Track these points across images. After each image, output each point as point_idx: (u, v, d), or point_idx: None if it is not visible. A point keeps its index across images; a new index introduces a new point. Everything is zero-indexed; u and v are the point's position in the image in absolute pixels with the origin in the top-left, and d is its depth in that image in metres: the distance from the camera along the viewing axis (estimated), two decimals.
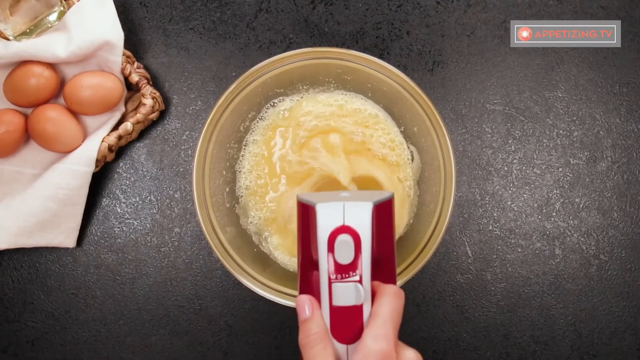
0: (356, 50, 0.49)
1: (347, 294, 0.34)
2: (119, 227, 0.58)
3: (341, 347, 0.34)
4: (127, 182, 0.58)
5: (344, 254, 0.34)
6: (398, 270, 0.48)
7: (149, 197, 0.58)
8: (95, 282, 0.57)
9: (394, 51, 0.59)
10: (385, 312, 0.34)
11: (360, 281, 0.34)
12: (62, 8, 0.56)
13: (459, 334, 0.57)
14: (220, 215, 0.50)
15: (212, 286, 0.57)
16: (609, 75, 0.59)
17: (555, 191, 0.58)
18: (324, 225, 0.34)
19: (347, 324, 0.34)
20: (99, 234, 0.58)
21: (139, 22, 0.59)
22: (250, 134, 0.54)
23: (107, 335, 0.57)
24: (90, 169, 0.55)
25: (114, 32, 0.55)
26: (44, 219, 0.54)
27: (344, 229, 0.34)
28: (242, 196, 0.53)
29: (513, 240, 0.57)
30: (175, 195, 0.58)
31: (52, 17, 0.56)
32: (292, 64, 0.50)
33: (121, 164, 0.58)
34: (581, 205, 0.58)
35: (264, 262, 0.51)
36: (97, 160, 0.55)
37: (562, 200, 0.58)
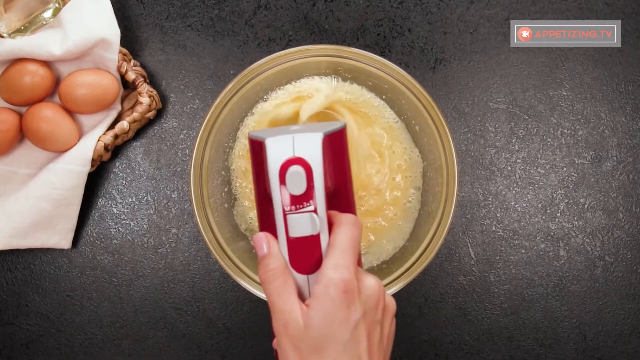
0: (357, 47, 0.49)
1: (302, 224, 0.34)
2: (115, 228, 0.57)
3: (302, 278, 0.35)
4: (124, 182, 0.58)
5: (296, 185, 0.34)
6: (399, 272, 0.48)
7: (145, 198, 0.57)
8: (91, 283, 0.57)
9: (396, 49, 0.59)
10: (343, 240, 0.34)
11: (315, 211, 0.34)
12: (57, 5, 0.55)
13: (462, 336, 0.56)
14: (219, 216, 0.49)
15: (210, 288, 0.56)
16: (615, 73, 0.59)
17: (559, 191, 0.58)
18: (274, 158, 0.34)
19: (306, 255, 0.35)
20: (94, 234, 0.57)
21: (135, 19, 0.59)
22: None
23: (102, 338, 0.56)
24: (85, 168, 0.54)
25: (110, 29, 0.54)
26: (38, 220, 0.54)
27: (294, 161, 0.34)
28: (239, 196, 0.53)
29: (517, 241, 0.57)
30: (173, 196, 0.57)
31: (47, 14, 0.55)
32: (292, 62, 0.49)
33: (117, 164, 0.58)
34: (586, 206, 0.58)
35: None
36: (93, 160, 0.55)
37: (566, 201, 0.58)
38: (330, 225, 0.35)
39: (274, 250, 0.35)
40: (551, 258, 0.57)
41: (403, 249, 0.51)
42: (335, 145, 0.37)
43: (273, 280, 0.34)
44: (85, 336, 0.56)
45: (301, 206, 0.34)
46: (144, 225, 0.57)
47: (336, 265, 0.33)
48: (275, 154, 0.34)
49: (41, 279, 0.57)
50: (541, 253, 0.57)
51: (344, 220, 0.35)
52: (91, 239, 0.57)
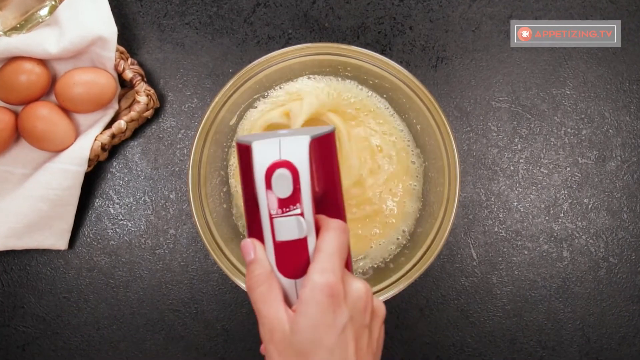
0: (357, 46, 0.49)
1: (289, 227, 0.34)
2: (112, 229, 0.57)
3: (289, 283, 0.34)
4: (121, 182, 0.57)
5: (282, 188, 0.34)
6: (400, 273, 0.47)
7: (143, 198, 0.57)
8: (88, 285, 0.56)
9: (397, 47, 0.58)
10: (329, 245, 0.34)
11: (302, 214, 0.34)
12: (53, 2, 0.55)
13: (464, 339, 0.56)
14: (217, 217, 0.49)
15: (208, 289, 0.56)
16: (619, 71, 0.58)
17: (563, 191, 0.57)
18: (260, 161, 0.34)
19: (293, 259, 0.34)
20: (91, 235, 0.57)
21: (133, 16, 0.58)
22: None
23: (100, 341, 0.56)
24: (82, 168, 0.54)
25: (107, 27, 0.54)
26: (34, 220, 0.53)
27: (280, 164, 0.34)
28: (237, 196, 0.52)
29: (519, 242, 0.56)
30: (171, 196, 0.57)
31: (43, 11, 0.55)
32: (291, 60, 0.49)
33: (114, 164, 0.57)
34: (590, 206, 0.57)
35: None
36: (90, 160, 0.54)
37: (570, 201, 0.57)
38: (317, 229, 0.35)
39: (259, 256, 0.35)
40: (554, 259, 0.56)
41: (404, 250, 0.50)
42: (324, 149, 0.37)
43: (258, 287, 0.34)
44: (82, 338, 0.56)
45: (287, 209, 0.34)
46: (142, 226, 0.57)
47: (322, 269, 0.33)
48: (262, 157, 0.34)
49: (37, 280, 0.56)
50: (544, 254, 0.56)
51: (331, 225, 0.35)
52: (88, 239, 0.57)
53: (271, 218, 0.34)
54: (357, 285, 0.34)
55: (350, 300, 0.33)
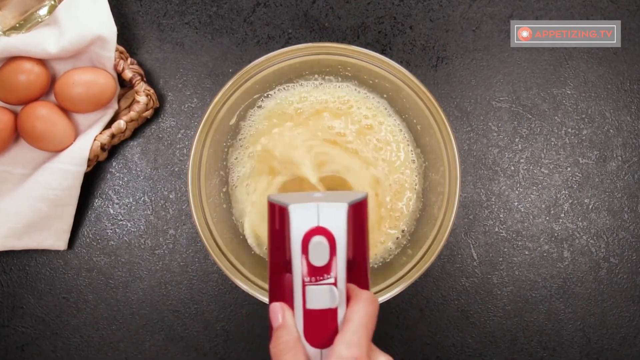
0: (357, 45, 0.48)
1: (321, 296, 0.33)
2: (111, 229, 0.56)
3: (315, 352, 0.34)
4: (120, 182, 0.57)
5: (319, 256, 0.33)
6: (400, 273, 0.47)
7: (142, 198, 0.57)
8: (87, 285, 0.56)
9: (397, 46, 0.58)
10: (358, 318, 0.33)
11: (335, 284, 0.33)
12: (52, 2, 0.55)
13: (464, 339, 0.56)
14: (217, 217, 0.49)
15: (208, 290, 0.56)
16: (619, 71, 0.58)
17: (563, 192, 0.57)
18: (298, 226, 0.33)
19: (321, 328, 0.34)
20: (90, 236, 0.56)
21: (132, 16, 0.58)
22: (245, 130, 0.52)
23: (99, 341, 0.56)
24: (82, 168, 0.54)
25: (107, 27, 0.54)
26: (33, 221, 0.53)
27: (318, 230, 0.33)
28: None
29: (520, 243, 0.56)
30: (170, 196, 0.57)
31: (43, 11, 0.55)
32: (291, 60, 0.49)
33: (114, 164, 0.57)
34: (590, 206, 0.57)
35: (262, 265, 0.50)
36: (89, 160, 0.54)
37: (570, 201, 0.57)
38: (347, 299, 0.34)
39: (288, 322, 0.34)
40: (555, 259, 0.56)
41: (404, 250, 0.50)
42: (357, 216, 0.36)
43: (284, 354, 0.33)
44: (81, 339, 0.56)
45: (321, 278, 0.33)
46: (141, 226, 0.56)
47: (349, 343, 0.32)
48: (299, 222, 0.33)
49: (36, 280, 0.56)
50: (545, 254, 0.56)
51: (361, 296, 0.34)
52: (87, 240, 0.56)
53: (304, 285, 0.33)
54: None
55: None
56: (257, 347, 0.56)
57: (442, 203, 0.47)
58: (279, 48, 0.48)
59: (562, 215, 0.57)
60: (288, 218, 0.34)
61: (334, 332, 0.33)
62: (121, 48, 0.56)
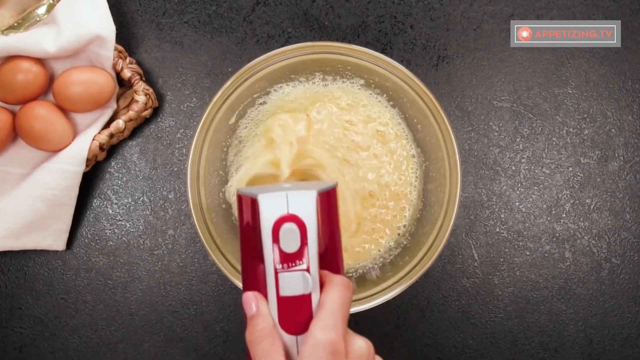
0: (358, 44, 0.48)
1: (294, 283, 0.34)
2: (110, 229, 0.56)
3: (290, 339, 0.34)
4: (119, 182, 0.57)
5: (289, 243, 0.33)
6: (401, 274, 0.47)
7: (141, 198, 0.56)
8: (86, 286, 0.56)
9: (397, 46, 0.58)
10: (332, 302, 0.34)
11: (307, 270, 0.34)
12: (51, 1, 0.55)
13: (465, 340, 0.55)
14: (216, 217, 0.49)
15: (207, 291, 0.56)
16: (621, 71, 0.58)
17: (565, 192, 0.57)
18: (268, 214, 0.34)
19: (296, 315, 0.34)
20: (89, 236, 0.56)
21: (131, 15, 0.58)
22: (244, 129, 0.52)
23: (98, 342, 0.55)
24: (80, 168, 0.54)
25: (105, 26, 0.54)
26: (32, 221, 0.53)
27: (288, 218, 0.34)
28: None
29: (521, 243, 0.56)
30: (169, 196, 0.56)
31: (41, 10, 0.55)
32: (291, 59, 0.49)
33: (113, 164, 0.57)
34: (592, 207, 0.57)
35: None
36: (88, 160, 0.54)
37: (572, 201, 0.57)
38: (321, 285, 0.35)
39: (262, 311, 0.34)
40: (556, 260, 0.56)
41: (404, 250, 0.50)
42: (327, 204, 0.37)
43: (260, 342, 0.33)
44: (80, 340, 0.55)
45: (293, 264, 0.33)
46: (140, 227, 0.56)
47: (324, 327, 0.32)
48: (269, 211, 0.34)
49: (35, 281, 0.56)
50: (546, 255, 0.56)
51: (335, 281, 0.35)
52: (86, 240, 0.56)
53: (276, 272, 0.33)
54: (360, 344, 0.34)
55: (352, 358, 0.33)
56: None
57: (443, 203, 0.47)
58: (278, 47, 0.48)
59: (564, 215, 0.57)
60: (257, 208, 0.34)
61: (309, 318, 0.34)
62: (120, 47, 0.55)
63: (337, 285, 0.34)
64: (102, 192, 0.57)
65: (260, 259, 0.34)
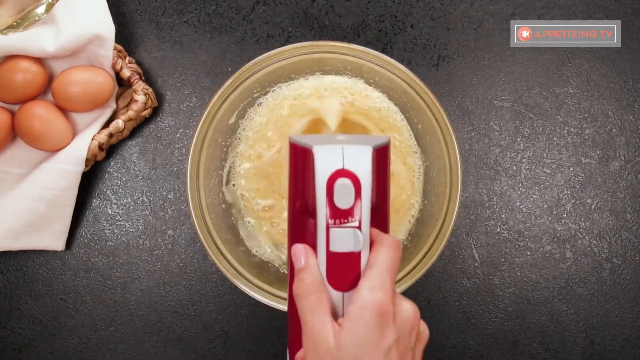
0: (358, 44, 0.48)
1: (345, 239, 0.33)
2: (109, 229, 0.56)
3: (337, 295, 0.33)
4: (119, 182, 0.57)
5: (344, 199, 0.33)
6: (401, 275, 0.47)
7: (141, 198, 0.56)
8: (85, 286, 0.55)
9: (398, 45, 0.58)
10: (382, 262, 0.33)
11: (359, 227, 0.33)
12: (50, 0, 0.55)
13: (466, 340, 0.55)
14: (216, 217, 0.49)
15: (207, 291, 0.55)
16: (622, 70, 0.58)
17: (566, 192, 0.57)
18: (323, 168, 0.33)
19: (344, 271, 0.33)
20: (88, 236, 0.56)
21: (130, 14, 0.58)
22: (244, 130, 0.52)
23: (97, 342, 0.55)
24: (79, 168, 0.53)
25: (105, 26, 0.54)
26: (31, 221, 0.53)
27: (343, 173, 0.33)
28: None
29: (522, 243, 0.56)
30: (169, 196, 0.56)
31: (40, 9, 0.55)
32: (291, 59, 0.49)
33: (112, 163, 0.57)
34: (593, 207, 0.56)
35: (261, 266, 0.50)
36: (87, 159, 0.54)
37: (573, 201, 0.56)
38: (371, 244, 0.34)
39: (311, 264, 0.33)
40: (557, 260, 0.56)
41: (405, 250, 0.50)
42: (380, 161, 0.36)
43: (307, 296, 0.33)
44: (79, 340, 0.55)
45: (346, 220, 0.33)
46: (140, 227, 0.56)
47: (373, 287, 0.32)
48: (324, 164, 0.33)
49: (34, 281, 0.56)
50: (547, 255, 0.56)
51: (385, 241, 0.34)
52: (85, 240, 0.56)
53: (328, 228, 0.33)
54: (407, 307, 0.33)
55: (398, 321, 0.32)
56: (256, 349, 0.55)
57: (443, 203, 0.47)
58: (278, 47, 0.48)
59: (565, 215, 0.56)
60: (312, 160, 0.33)
61: (357, 276, 0.33)
62: (119, 47, 0.55)
63: (388, 245, 0.34)
64: (101, 192, 0.57)
65: (310, 212, 0.34)
